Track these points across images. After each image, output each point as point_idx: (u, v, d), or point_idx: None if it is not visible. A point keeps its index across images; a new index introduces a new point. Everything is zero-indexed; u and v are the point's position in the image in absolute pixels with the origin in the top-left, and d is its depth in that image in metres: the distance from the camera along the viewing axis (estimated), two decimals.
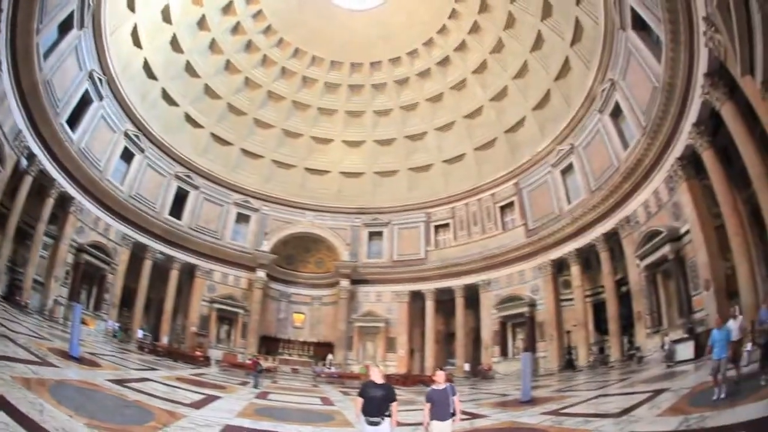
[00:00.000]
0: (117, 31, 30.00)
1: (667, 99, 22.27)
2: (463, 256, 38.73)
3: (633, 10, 23.35)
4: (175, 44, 35.37)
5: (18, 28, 20.50)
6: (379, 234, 43.20)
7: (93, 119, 30.26)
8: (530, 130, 38.11)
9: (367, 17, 39.12)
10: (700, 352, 17.36)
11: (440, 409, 7.61)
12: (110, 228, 31.51)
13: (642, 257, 25.40)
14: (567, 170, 34.72)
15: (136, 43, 32.39)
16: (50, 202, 26.78)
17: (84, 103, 29.15)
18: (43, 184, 26.39)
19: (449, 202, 42.24)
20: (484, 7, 35.75)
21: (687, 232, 22.08)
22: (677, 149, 22.84)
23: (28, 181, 24.58)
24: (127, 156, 33.55)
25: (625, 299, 27.37)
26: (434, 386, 7.93)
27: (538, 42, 34.16)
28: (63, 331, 22.66)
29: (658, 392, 12.79)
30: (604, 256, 29.39)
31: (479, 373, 33.80)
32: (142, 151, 34.44)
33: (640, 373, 20.14)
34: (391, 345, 39.10)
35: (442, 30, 38.83)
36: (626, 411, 11.17)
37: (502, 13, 34.98)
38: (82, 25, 25.98)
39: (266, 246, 39.61)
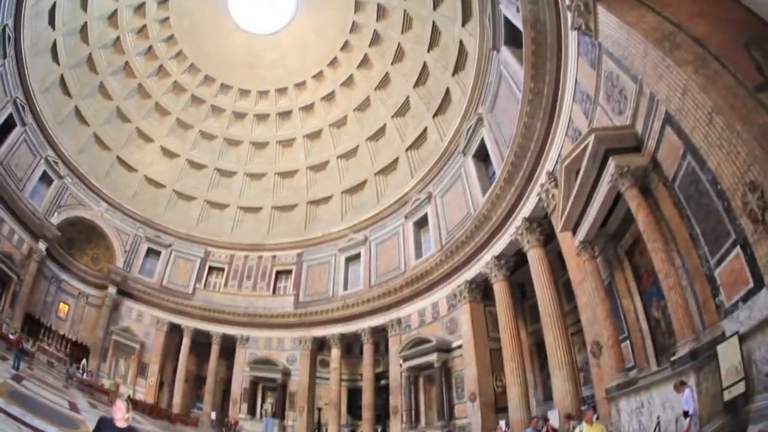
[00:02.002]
0: None
1: (476, 227, 24.30)
2: (228, 306, 37.05)
3: (482, 141, 25.76)
4: None
5: None
6: (157, 253, 39.71)
7: None
8: (332, 210, 38.91)
9: (245, 39, 37.84)
10: None
11: None
12: None
13: (406, 359, 26.53)
14: (353, 258, 35.80)
15: None
16: None
17: None
18: None
19: (231, 249, 40.73)
20: (349, 81, 36.81)
21: (459, 346, 23.72)
22: (470, 273, 24.90)
23: None
24: None
25: (383, 391, 28.26)
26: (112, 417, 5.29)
27: (378, 134, 35.98)
28: None
29: None
30: (367, 347, 30.34)
31: (225, 426, 31.89)
32: (3, 57, 28.16)
33: None
34: (143, 370, 35.08)
35: (301, 84, 38.96)
36: None
37: (361, 94, 36.43)
38: None
39: (55, 219, 33.59)
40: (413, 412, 25.72)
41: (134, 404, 29.25)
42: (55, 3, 30.29)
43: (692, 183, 10.10)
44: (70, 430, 11.19)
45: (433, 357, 24.83)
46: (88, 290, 36.54)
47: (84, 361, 32.32)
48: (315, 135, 39.76)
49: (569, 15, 13.41)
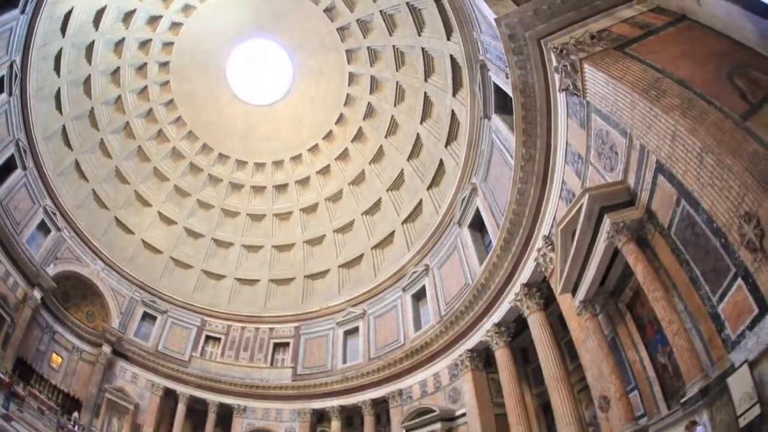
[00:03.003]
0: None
1: (474, 297, 24.29)
2: (225, 375, 36.19)
3: (477, 212, 26.15)
4: (89, 51, 32.81)
5: None
6: (153, 318, 39.09)
7: None
8: (329, 284, 38.81)
9: (243, 109, 39.15)
10: None
11: None
12: None
13: (409, 429, 25.88)
14: (351, 332, 35.41)
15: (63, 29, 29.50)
16: None
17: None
18: None
19: (228, 319, 40.20)
20: (344, 155, 37.81)
21: (463, 414, 23.22)
22: (470, 342, 24.67)
23: None
24: None
25: None
26: None
27: (375, 207, 36.45)
28: None
29: None
30: (368, 420, 29.61)
31: None
32: (9, 94, 28.86)
33: None
34: (137, 431, 33.69)
35: (297, 157, 39.96)
36: None
37: (357, 168, 37.15)
38: None
39: (51, 270, 33.24)
40: None
41: None
42: (61, 49, 30.99)
43: (688, 227, 10.35)
44: None
45: (436, 426, 24.28)
46: (82, 345, 35.71)
47: (76, 414, 31.59)
48: (311, 209, 40.28)
49: (557, 77, 14.10)
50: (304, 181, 40.36)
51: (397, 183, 34.70)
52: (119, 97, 36.41)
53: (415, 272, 31.88)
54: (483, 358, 24.10)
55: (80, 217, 36.43)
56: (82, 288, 37.00)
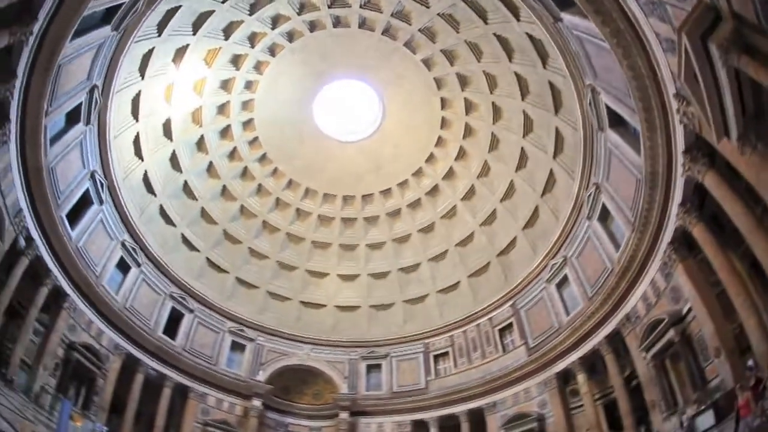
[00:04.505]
0: (120, 136, 30.53)
1: (650, 188, 22.77)
2: (465, 383, 37.30)
3: (608, 108, 24.59)
4: (174, 161, 35.93)
5: (29, 101, 20.94)
6: (378, 366, 41.75)
7: (92, 221, 29.94)
8: (522, 250, 38.30)
9: (356, 149, 41.27)
10: (721, 415, 17.07)
11: None
12: (103, 334, 30.09)
13: (647, 348, 24.87)
14: (562, 283, 34.49)
15: (138, 153, 32.77)
16: (44, 291, 25.71)
17: (84, 202, 28.92)
18: (38, 271, 25.45)
19: (447, 331, 41.31)
20: (468, 132, 37.81)
21: (689, 310, 21.87)
22: (668, 234, 23.18)
23: (24, 262, 23.85)
24: (123, 267, 32.95)
25: (636, 391, 26.27)
26: None
27: (523, 159, 35.62)
28: (48, 419, 22.54)
29: None
30: (609, 358, 28.54)
31: None
32: (138, 265, 33.97)
33: None
34: None
35: (430, 159, 40.63)
36: None
37: (485, 136, 36.86)
38: (88, 121, 26.57)
39: (262, 376, 38.06)
40: (669, 396, 23.65)
41: None
42: (161, 205, 35.42)
43: None
44: None
45: (670, 334, 23.05)
46: (317, 424, 39.02)
47: None
48: (470, 193, 40.43)
49: None
50: (449, 174, 40.84)
51: (528, 126, 33.83)
52: (242, 206, 40.85)
53: (589, 195, 30.51)
54: (684, 244, 22.42)
55: (267, 319, 40.76)
56: (299, 374, 40.57)
